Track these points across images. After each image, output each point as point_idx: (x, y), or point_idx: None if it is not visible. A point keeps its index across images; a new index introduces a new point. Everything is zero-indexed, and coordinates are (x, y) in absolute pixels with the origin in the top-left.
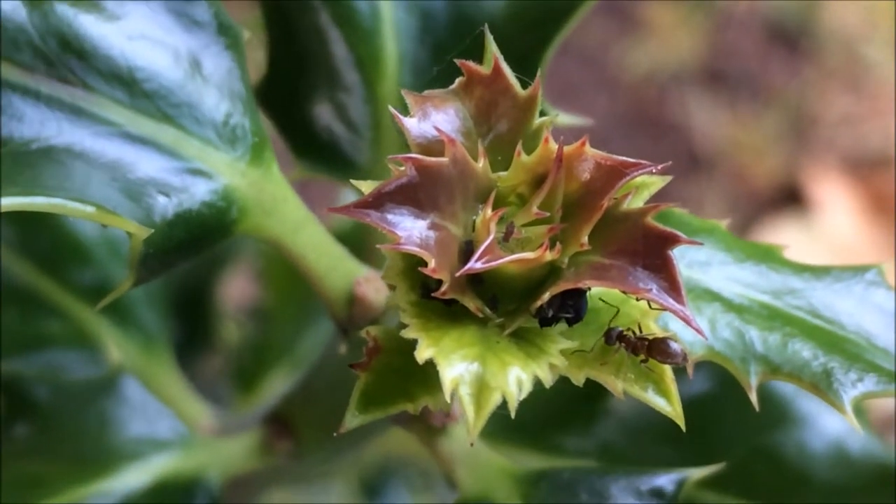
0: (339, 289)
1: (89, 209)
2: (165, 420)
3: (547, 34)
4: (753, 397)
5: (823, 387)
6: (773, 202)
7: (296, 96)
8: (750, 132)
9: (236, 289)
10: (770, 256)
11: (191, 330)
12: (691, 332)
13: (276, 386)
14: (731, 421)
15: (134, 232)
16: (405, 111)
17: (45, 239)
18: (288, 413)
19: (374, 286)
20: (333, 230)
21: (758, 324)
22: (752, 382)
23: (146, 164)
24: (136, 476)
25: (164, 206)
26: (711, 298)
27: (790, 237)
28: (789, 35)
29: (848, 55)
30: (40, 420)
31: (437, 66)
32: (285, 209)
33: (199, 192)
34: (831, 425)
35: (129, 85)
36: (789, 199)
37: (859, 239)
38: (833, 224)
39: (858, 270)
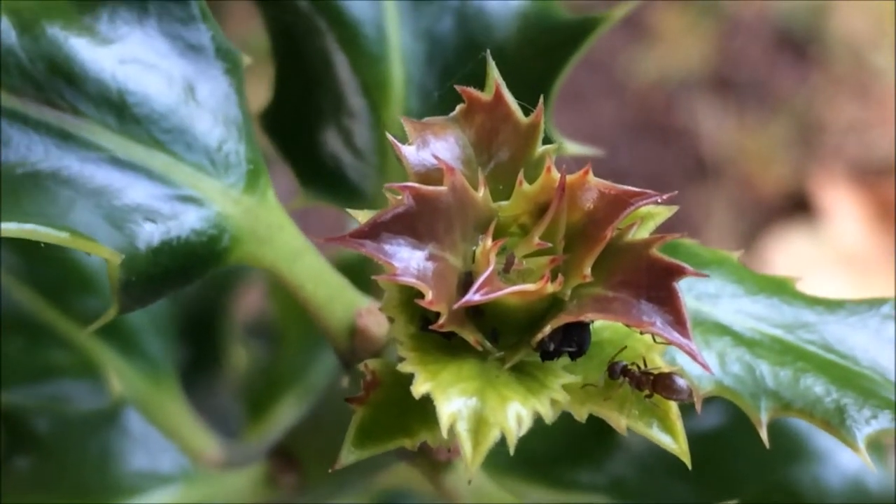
0: (340, 320)
1: (63, 235)
2: (168, 453)
3: (558, 60)
4: (763, 434)
5: (836, 423)
6: (780, 209)
7: (301, 122)
8: (757, 139)
9: (251, 303)
10: (783, 289)
11: (200, 353)
12: (699, 366)
13: (287, 413)
14: (746, 456)
15: (108, 258)
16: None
17: (50, 268)
18: (293, 446)
19: (375, 318)
20: (337, 260)
21: (769, 358)
22: (762, 418)
23: (134, 191)
24: None
25: (150, 232)
26: (721, 332)
27: (797, 245)
28: (797, 42)
29: (856, 62)
30: (41, 452)
31: (439, 91)
32: (281, 237)
33: (188, 219)
34: (848, 461)
35: (119, 109)
36: (797, 206)
37: (866, 246)
38: (840, 231)
39: (874, 304)
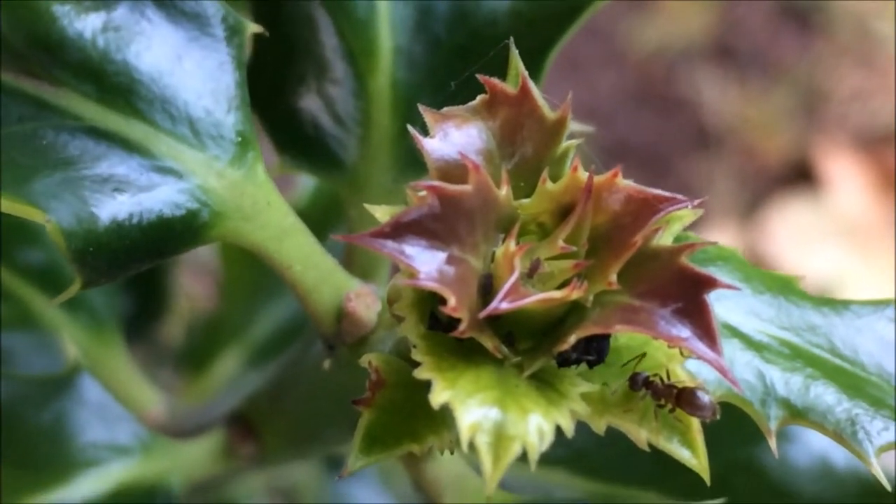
0: (328, 303)
1: None
2: (125, 423)
3: (551, 35)
4: (773, 443)
5: (847, 435)
6: (782, 179)
7: (281, 87)
8: (760, 108)
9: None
10: (788, 288)
11: (142, 303)
12: (708, 369)
13: (229, 367)
14: (710, 433)
15: (43, 223)
16: (397, 107)
17: None
18: (251, 416)
19: (364, 302)
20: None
21: (779, 364)
22: (771, 427)
23: (108, 161)
24: (95, 483)
25: (119, 203)
26: (730, 334)
27: (799, 214)
28: (800, 10)
29: (859, 30)
30: None
31: (433, 62)
32: (269, 215)
33: (163, 191)
34: (816, 440)
35: (98, 78)
36: (799, 175)
37: (869, 216)
38: (843, 201)
39: (878, 306)
